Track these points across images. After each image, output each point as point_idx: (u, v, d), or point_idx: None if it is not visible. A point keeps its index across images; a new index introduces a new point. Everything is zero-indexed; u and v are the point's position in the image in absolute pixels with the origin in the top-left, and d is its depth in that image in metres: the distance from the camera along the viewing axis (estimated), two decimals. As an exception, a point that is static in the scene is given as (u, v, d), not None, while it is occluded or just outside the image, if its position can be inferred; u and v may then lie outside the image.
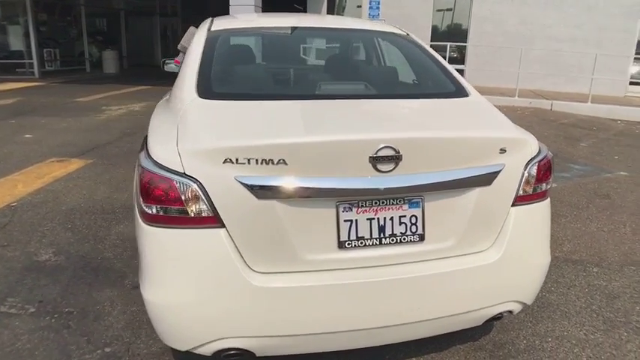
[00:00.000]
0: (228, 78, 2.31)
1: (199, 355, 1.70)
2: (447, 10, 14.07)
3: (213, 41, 2.37)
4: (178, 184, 1.53)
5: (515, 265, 1.87)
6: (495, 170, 1.76)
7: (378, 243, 1.68)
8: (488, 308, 1.88)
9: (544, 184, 1.93)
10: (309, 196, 1.58)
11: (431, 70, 2.50)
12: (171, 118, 1.86)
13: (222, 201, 1.53)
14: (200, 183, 1.52)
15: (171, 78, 2.45)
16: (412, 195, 1.69)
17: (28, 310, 2.38)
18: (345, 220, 1.64)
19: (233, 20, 2.89)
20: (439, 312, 1.79)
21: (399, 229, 1.70)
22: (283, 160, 1.52)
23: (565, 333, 2.38)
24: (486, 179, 1.76)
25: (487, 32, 13.14)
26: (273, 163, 1.52)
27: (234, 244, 1.56)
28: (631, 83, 12.76)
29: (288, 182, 1.54)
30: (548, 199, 2.01)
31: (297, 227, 1.60)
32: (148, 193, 1.56)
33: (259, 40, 3.11)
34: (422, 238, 1.73)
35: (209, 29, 2.51)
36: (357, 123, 1.89)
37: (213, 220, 1.54)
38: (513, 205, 1.85)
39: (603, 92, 11.11)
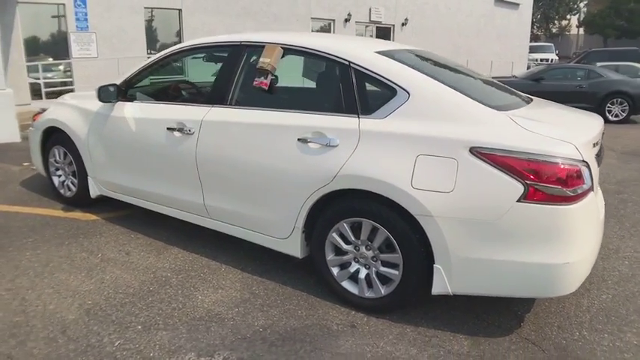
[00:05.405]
0: (479, 93, 2.72)
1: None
2: (156, 20, 14.08)
3: (407, 63, 2.69)
4: (581, 169, 2.22)
5: None
6: None
7: None
8: None
9: None
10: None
11: None
12: (496, 129, 2.31)
13: (592, 172, 2.30)
14: (588, 164, 2.27)
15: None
16: None
17: None
18: None
19: (371, 42, 3.19)
20: None
21: None
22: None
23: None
24: None
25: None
26: (592, 145, 2.45)
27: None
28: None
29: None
30: None
31: None
32: (569, 179, 2.17)
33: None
34: None
35: (375, 51, 2.77)
36: None
37: (592, 188, 2.31)
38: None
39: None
